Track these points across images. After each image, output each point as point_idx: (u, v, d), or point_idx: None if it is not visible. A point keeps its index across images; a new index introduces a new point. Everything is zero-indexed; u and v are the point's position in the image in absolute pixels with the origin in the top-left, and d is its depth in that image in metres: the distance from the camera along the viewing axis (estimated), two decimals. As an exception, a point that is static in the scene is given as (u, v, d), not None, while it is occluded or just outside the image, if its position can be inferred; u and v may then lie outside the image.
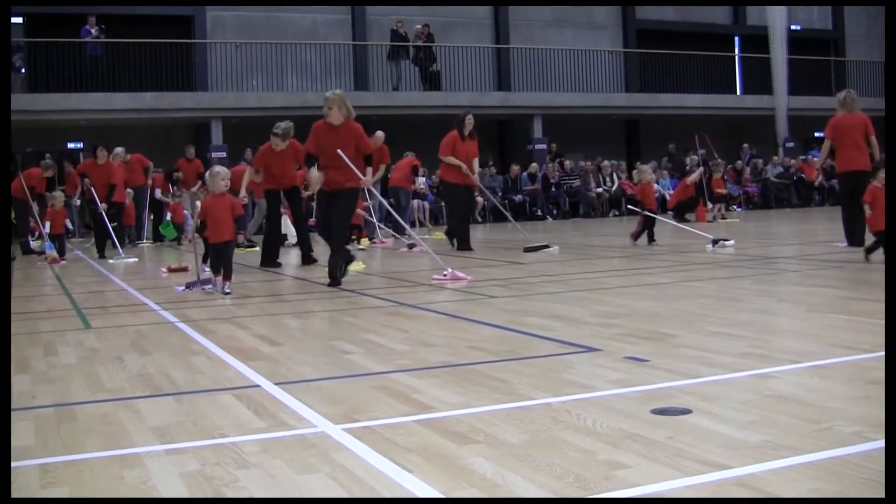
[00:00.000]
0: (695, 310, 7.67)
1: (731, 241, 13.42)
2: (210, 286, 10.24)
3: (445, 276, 10.51)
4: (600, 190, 29.54)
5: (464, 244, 15.30)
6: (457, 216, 16.18)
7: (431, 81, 30.22)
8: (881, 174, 10.37)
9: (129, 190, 20.30)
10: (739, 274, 10.31)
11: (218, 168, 10.27)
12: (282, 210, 15.25)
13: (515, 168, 29.22)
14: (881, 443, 3.49)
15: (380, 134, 17.68)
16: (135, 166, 21.17)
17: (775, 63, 33.55)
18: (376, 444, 3.78)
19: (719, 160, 26.26)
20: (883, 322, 6.50)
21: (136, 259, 16.61)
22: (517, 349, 5.99)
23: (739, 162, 31.94)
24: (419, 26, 29.87)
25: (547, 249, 14.27)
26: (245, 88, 28.49)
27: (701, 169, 23.98)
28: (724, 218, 23.05)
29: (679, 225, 18.30)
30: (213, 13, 29.20)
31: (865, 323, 6.50)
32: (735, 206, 29.24)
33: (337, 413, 4.35)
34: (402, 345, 6.36)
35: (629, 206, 19.17)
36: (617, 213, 29.34)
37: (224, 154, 26.31)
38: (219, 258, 10.12)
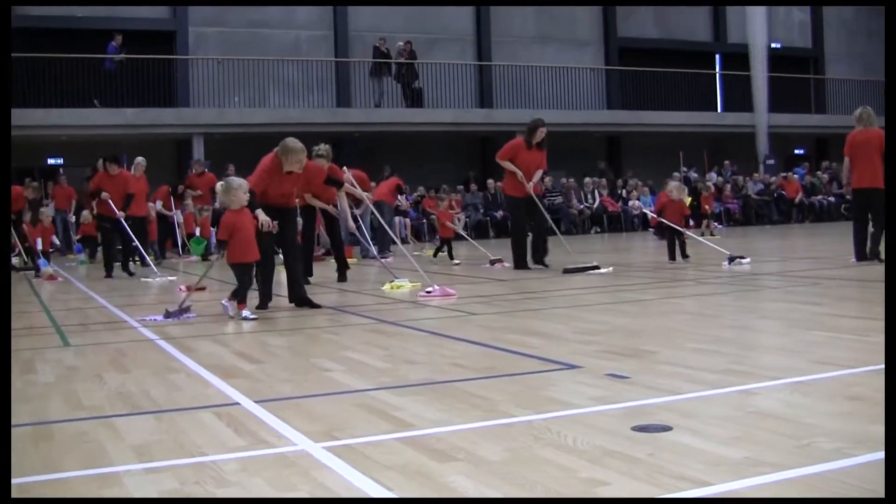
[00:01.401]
0: (676, 326, 7.69)
1: (748, 259, 13.13)
2: (192, 315, 9.48)
3: (431, 292, 10.50)
4: (581, 206, 29.58)
5: (519, 262, 14.09)
6: (511, 231, 15.23)
7: (414, 98, 30.24)
8: None
9: (151, 204, 20.14)
10: (720, 290, 10.33)
11: (238, 180, 9.57)
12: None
13: (492, 184, 29.20)
14: (861, 459, 3.51)
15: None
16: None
17: (756, 80, 33.72)
18: (356, 462, 3.76)
19: (709, 182, 26.46)
20: (862, 338, 6.54)
21: (172, 277, 15.63)
22: (498, 366, 5.98)
23: (720, 178, 32.04)
24: (401, 43, 29.90)
25: (597, 271, 12.93)
26: (227, 105, 28.48)
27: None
28: (712, 234, 23.10)
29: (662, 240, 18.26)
30: (196, 29, 29.19)
31: (845, 339, 6.53)
32: (716, 223, 29.34)
33: (317, 431, 4.33)
34: (383, 362, 6.34)
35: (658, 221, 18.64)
36: (598, 229, 29.39)
37: (205, 171, 26.28)
38: (242, 280, 9.35)
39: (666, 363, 5.75)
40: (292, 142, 10.51)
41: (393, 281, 11.85)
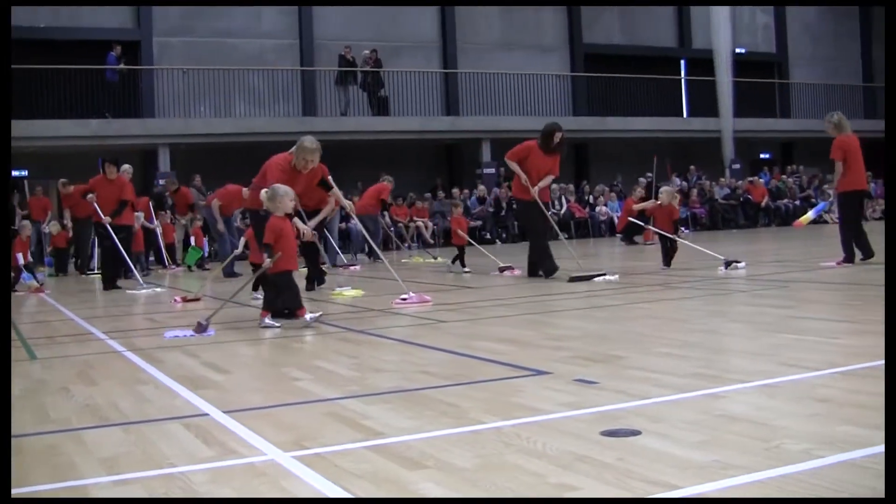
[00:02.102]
0: (644, 331, 7.72)
1: (743, 263, 13.06)
2: (212, 331, 8.93)
3: (406, 299, 10.48)
4: (549, 213, 29.57)
5: (541, 268, 13.46)
6: (529, 237, 14.60)
7: (379, 106, 30.23)
8: None
9: (138, 213, 19.85)
10: (689, 295, 10.37)
11: (284, 187, 9.42)
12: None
13: (456, 192, 29.23)
14: (829, 460, 3.54)
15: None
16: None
17: (721, 85, 33.88)
18: (326, 471, 3.75)
19: (675, 189, 26.53)
20: (830, 340, 6.59)
21: (159, 288, 15.44)
22: (467, 373, 5.99)
23: (685, 183, 32.20)
24: (367, 51, 29.92)
25: (602, 278, 12.38)
26: (192, 115, 28.40)
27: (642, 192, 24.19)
28: (681, 239, 23.17)
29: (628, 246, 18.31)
30: (160, 39, 29.10)
31: (813, 341, 6.57)
32: (683, 228, 29.45)
33: (286, 440, 4.32)
34: (352, 371, 6.33)
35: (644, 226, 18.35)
36: (566, 235, 29.44)
37: (179, 186, 26.20)
38: (281, 290, 9.24)
39: (635, 368, 5.77)
40: (310, 141, 10.33)
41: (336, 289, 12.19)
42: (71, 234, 21.31)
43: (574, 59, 35.32)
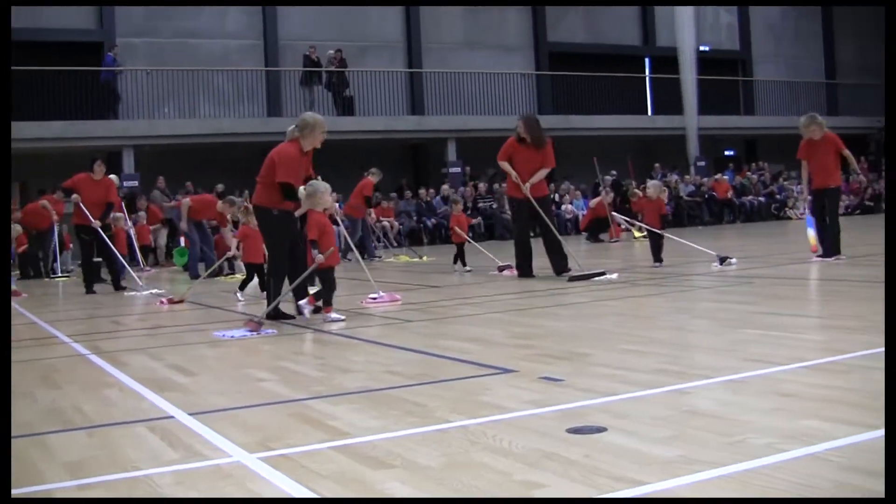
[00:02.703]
0: (610, 328, 7.75)
1: (735, 259, 13.00)
2: (272, 331, 8.77)
3: (376, 298, 10.45)
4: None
5: (521, 270, 13.30)
6: (514, 236, 14.00)
7: (345, 106, 30.18)
8: None
9: (118, 214, 19.52)
10: (653, 292, 10.41)
11: (324, 184, 9.47)
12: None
13: (423, 192, 29.24)
14: (792, 454, 3.56)
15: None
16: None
17: (685, 83, 34.00)
18: (292, 472, 3.75)
19: (636, 189, 26.67)
20: (793, 335, 6.63)
21: (157, 290, 14.65)
22: (433, 373, 5.98)
23: (676, 177, 32.37)
24: (332, 51, 29.85)
25: (604, 276, 11.93)
26: (157, 116, 28.24)
27: (604, 191, 24.27)
28: (645, 237, 23.28)
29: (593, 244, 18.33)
30: (123, 40, 28.90)
31: (777, 336, 6.61)
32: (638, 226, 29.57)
33: (252, 442, 4.31)
34: (318, 371, 6.33)
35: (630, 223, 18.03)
36: (532, 234, 29.46)
37: (136, 183, 26.12)
38: (325, 283, 9.34)
39: (600, 365, 5.79)
40: (312, 116, 10.04)
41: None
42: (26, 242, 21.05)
43: (538, 58, 35.37)
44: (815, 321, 7.50)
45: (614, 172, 27.14)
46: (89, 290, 15.10)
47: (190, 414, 5.02)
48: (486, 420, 4.45)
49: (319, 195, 9.31)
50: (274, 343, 8.01)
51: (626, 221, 22.68)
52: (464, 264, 15.30)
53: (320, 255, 8.94)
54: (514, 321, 8.59)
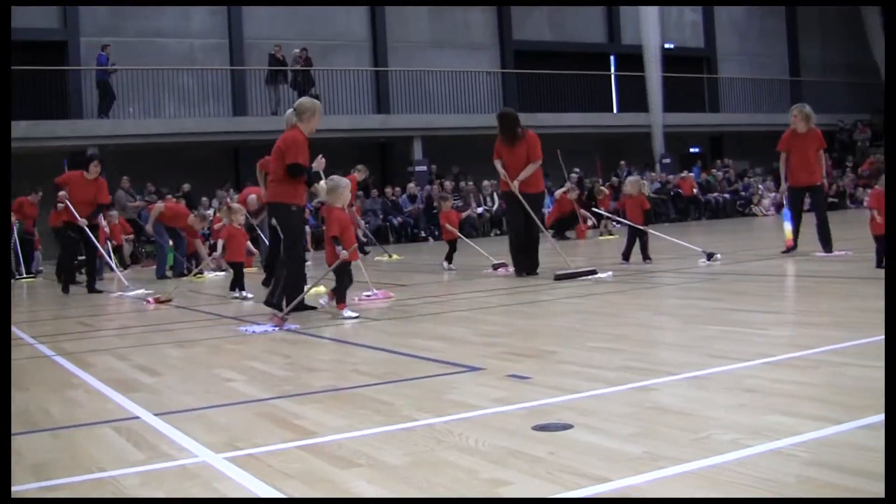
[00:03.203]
0: (575, 326, 7.77)
1: (720, 255, 12.95)
2: (295, 325, 8.80)
3: (370, 296, 10.38)
4: (481, 210, 29.70)
5: (519, 268, 12.78)
6: (509, 236, 13.35)
7: (311, 105, 30.09)
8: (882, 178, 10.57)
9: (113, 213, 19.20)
10: (618, 289, 10.44)
11: (344, 180, 9.64)
12: None
13: (389, 190, 29.24)
14: (756, 449, 3.59)
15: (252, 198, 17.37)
16: None
17: (650, 81, 34.13)
18: (258, 472, 3.74)
19: (603, 186, 26.84)
20: (757, 331, 6.67)
21: (145, 290, 14.15)
22: (400, 371, 5.98)
23: (616, 179, 32.43)
24: (297, 50, 29.78)
25: (595, 276, 11.55)
26: (122, 116, 28.08)
27: (567, 185, 24.33)
28: (610, 234, 23.39)
29: (558, 243, 18.35)
30: (88, 39, 28.72)
31: (741, 332, 6.65)
32: (615, 222, 29.67)
33: (219, 442, 4.30)
34: (285, 371, 6.31)
35: (616, 221, 17.71)
36: (498, 232, 29.54)
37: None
38: (342, 279, 9.33)
39: (566, 363, 5.81)
40: (309, 100, 10.16)
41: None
42: None
43: (504, 57, 35.41)
44: (779, 317, 7.54)
45: (577, 170, 27.20)
46: (66, 290, 14.84)
47: (156, 414, 5.00)
48: (452, 418, 4.45)
49: (341, 190, 9.40)
50: (241, 343, 7.98)
51: (609, 218, 22.76)
52: (449, 262, 14.93)
53: (344, 252, 8.98)
54: (480, 319, 8.59)
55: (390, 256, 20.05)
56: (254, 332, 8.50)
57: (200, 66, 29.69)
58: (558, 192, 24.24)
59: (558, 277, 11.49)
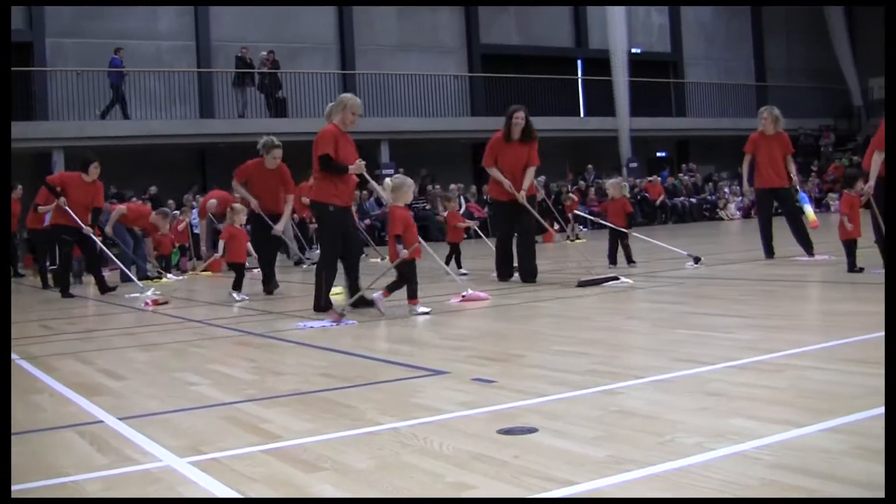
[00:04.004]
0: (542, 329, 7.78)
1: (703, 258, 12.93)
2: (353, 321, 8.82)
3: (466, 297, 10.05)
4: (446, 213, 29.66)
5: (500, 273, 12.24)
6: (496, 241, 12.57)
7: (278, 108, 30.06)
8: (859, 183, 10.65)
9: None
10: (585, 293, 10.44)
11: (409, 179, 9.70)
12: None
13: (357, 193, 29.20)
14: (720, 452, 3.59)
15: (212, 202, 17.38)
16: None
17: (617, 85, 34.28)
18: (222, 476, 3.72)
19: (571, 193, 26.94)
20: (723, 335, 6.70)
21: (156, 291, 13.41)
22: (366, 375, 5.97)
23: (583, 182, 32.54)
24: (264, 53, 29.73)
25: (615, 282, 10.92)
26: (87, 117, 27.93)
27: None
28: (577, 238, 23.47)
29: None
30: (53, 41, 28.58)
31: (706, 336, 6.68)
32: (581, 227, 29.74)
33: (182, 446, 4.27)
34: (250, 374, 6.29)
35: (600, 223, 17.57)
36: (466, 235, 29.50)
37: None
38: (409, 277, 9.30)
39: (532, 366, 5.81)
40: (344, 95, 10.24)
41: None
42: None
43: (472, 60, 35.47)
44: (745, 321, 7.57)
45: (542, 177, 27.25)
46: (66, 294, 14.39)
47: (120, 419, 4.97)
48: (417, 422, 4.44)
49: (405, 189, 9.46)
50: (206, 346, 7.95)
51: (592, 220, 22.83)
52: (459, 265, 14.12)
53: (405, 251, 9.02)
54: (446, 322, 8.59)
55: (383, 258, 19.86)
56: (313, 327, 8.57)
57: (167, 69, 29.57)
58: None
59: (581, 284, 10.91)
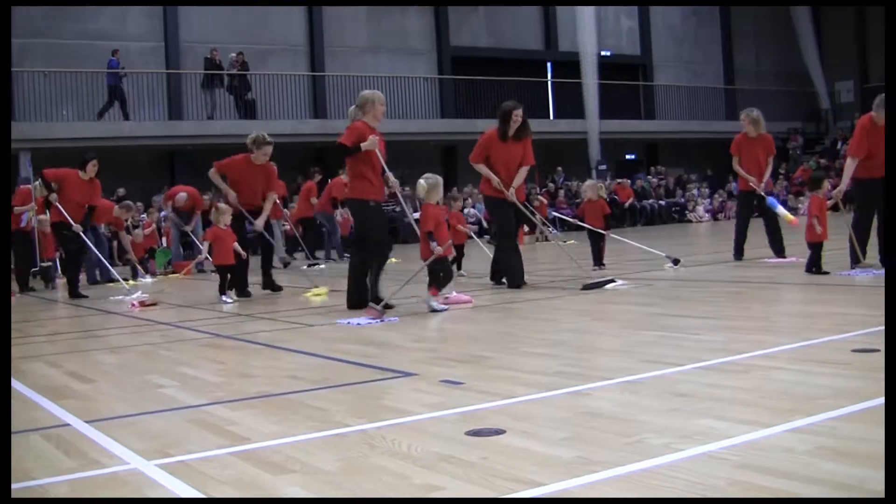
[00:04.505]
0: (511, 331, 7.79)
1: (681, 259, 12.95)
2: (395, 318, 8.93)
3: (449, 298, 9.99)
4: (417, 215, 29.67)
5: (509, 278, 11.54)
6: (497, 240, 12.38)
7: (247, 110, 29.98)
8: (825, 185, 10.76)
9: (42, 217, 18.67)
10: (554, 295, 10.47)
11: (439, 178, 10.06)
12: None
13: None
14: (687, 452, 3.61)
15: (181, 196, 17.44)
16: None
17: (587, 88, 34.35)
18: (190, 479, 3.71)
19: (540, 195, 27.00)
20: (691, 336, 6.73)
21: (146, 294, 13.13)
22: (334, 377, 5.97)
23: (552, 185, 32.60)
24: (234, 54, 29.63)
25: (612, 284, 10.71)
26: (55, 118, 27.78)
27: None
28: (546, 240, 23.52)
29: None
30: (20, 41, 28.36)
31: (674, 338, 6.70)
32: (551, 228, 29.80)
33: (150, 449, 4.25)
34: (219, 376, 6.28)
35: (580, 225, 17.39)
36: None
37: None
38: (442, 272, 9.60)
39: (500, 368, 5.82)
40: (368, 91, 10.41)
41: (314, 288, 12.19)
42: None
43: (441, 62, 35.48)
44: (712, 322, 7.61)
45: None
46: (75, 294, 14.07)
47: (87, 422, 4.94)
48: (385, 424, 4.44)
49: (440, 188, 9.85)
50: (174, 349, 7.92)
51: (570, 222, 22.80)
52: (458, 267, 13.80)
53: (439, 248, 9.24)
54: (415, 324, 8.58)
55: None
56: (358, 324, 8.62)
57: (136, 70, 29.41)
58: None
59: (586, 287, 10.62)
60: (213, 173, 12.73)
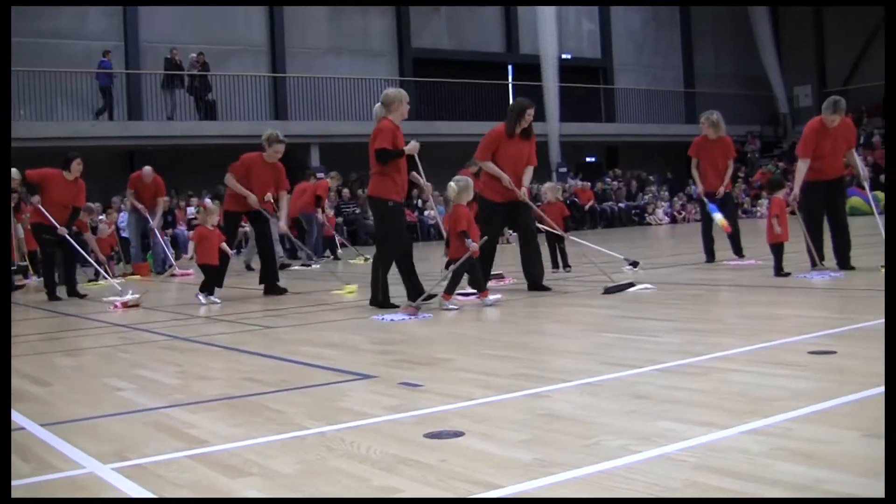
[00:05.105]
0: (470, 333, 7.80)
1: (640, 261, 13.00)
2: (428, 315, 9.05)
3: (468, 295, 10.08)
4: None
5: (478, 283, 10.15)
6: (485, 245, 10.49)
7: (207, 111, 29.85)
8: (785, 187, 10.86)
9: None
10: (515, 297, 10.48)
11: (470, 180, 10.24)
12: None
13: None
14: (645, 454, 3.63)
15: (147, 169, 17.38)
16: None
17: (547, 90, 34.45)
18: (147, 482, 3.68)
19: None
20: (650, 338, 6.76)
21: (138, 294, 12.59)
22: (293, 379, 5.95)
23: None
24: (194, 55, 29.49)
25: (633, 289, 10.33)
26: (13, 118, 27.52)
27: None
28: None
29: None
30: (-23, 41, 28.14)
31: (634, 340, 6.73)
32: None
33: (107, 452, 4.22)
34: (177, 379, 6.24)
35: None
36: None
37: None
38: (470, 272, 9.85)
39: (460, 370, 5.82)
40: (393, 90, 10.42)
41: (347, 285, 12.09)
42: None
43: (403, 64, 35.47)
44: (671, 324, 7.64)
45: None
46: (53, 297, 13.63)
47: (43, 425, 4.90)
48: (344, 426, 4.43)
49: (470, 190, 9.99)
50: (132, 351, 7.87)
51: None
52: (447, 267, 13.55)
53: (474, 244, 9.46)
54: (374, 326, 8.57)
55: (366, 259, 19.62)
56: (392, 320, 8.74)
57: (95, 70, 29.20)
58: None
59: (608, 291, 10.26)
60: (229, 178, 12.55)
